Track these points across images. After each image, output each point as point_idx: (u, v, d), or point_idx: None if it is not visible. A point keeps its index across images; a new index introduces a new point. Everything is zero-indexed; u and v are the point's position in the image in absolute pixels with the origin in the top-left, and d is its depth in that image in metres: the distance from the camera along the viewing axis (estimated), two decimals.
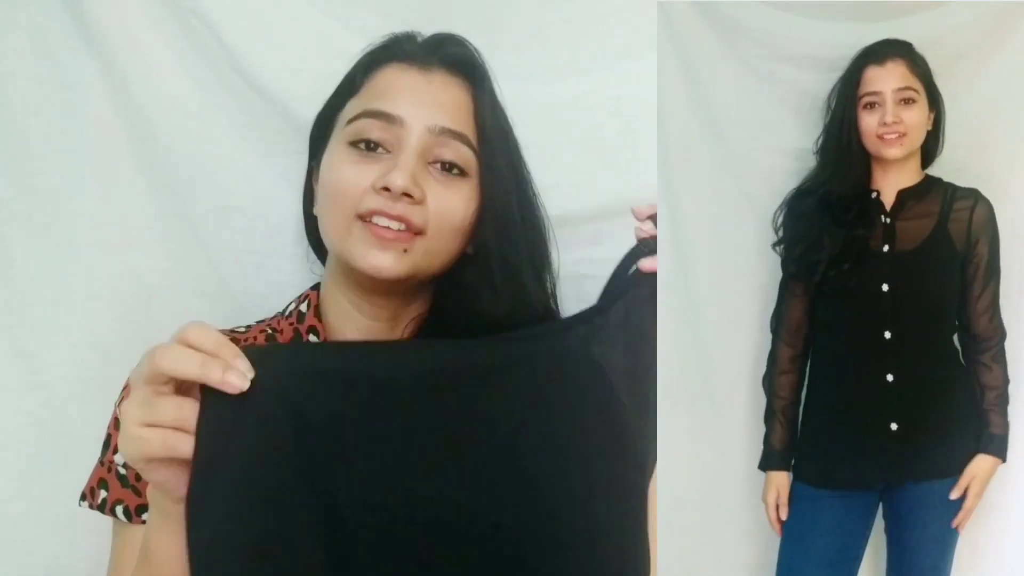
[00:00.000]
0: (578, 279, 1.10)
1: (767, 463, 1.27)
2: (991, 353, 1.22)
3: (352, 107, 0.80)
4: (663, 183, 1.19)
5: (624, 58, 1.10)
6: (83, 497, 0.81)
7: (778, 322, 1.27)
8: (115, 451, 0.79)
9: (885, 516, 1.24)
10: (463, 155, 0.78)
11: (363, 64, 0.83)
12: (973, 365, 1.23)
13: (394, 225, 0.74)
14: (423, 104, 0.77)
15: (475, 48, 0.84)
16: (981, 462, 1.20)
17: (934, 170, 1.24)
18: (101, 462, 0.81)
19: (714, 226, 1.27)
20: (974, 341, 1.23)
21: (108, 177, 1.03)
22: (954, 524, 1.20)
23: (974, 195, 1.21)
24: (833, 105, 1.24)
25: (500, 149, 0.80)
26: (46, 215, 1.02)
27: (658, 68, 1.11)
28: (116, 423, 0.80)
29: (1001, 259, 1.21)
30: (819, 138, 1.26)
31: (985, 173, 1.22)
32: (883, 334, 1.19)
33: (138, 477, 0.78)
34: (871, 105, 1.18)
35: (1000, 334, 1.22)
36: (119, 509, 0.78)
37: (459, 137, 0.78)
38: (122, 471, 0.79)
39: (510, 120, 0.85)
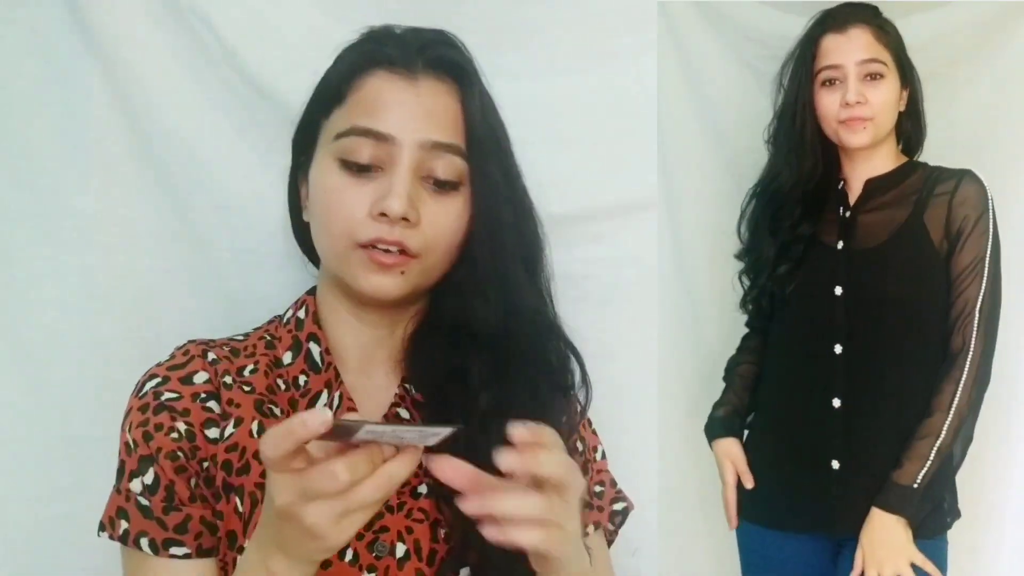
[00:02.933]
0: (578, 278, 1.11)
1: (712, 430, 1.10)
2: (945, 372, 0.96)
3: (339, 119, 0.78)
4: (663, 183, 1.18)
5: (624, 58, 1.11)
6: (102, 527, 0.76)
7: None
8: (130, 478, 0.75)
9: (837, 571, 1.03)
10: (455, 168, 0.77)
11: (345, 71, 0.80)
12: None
13: (392, 249, 0.74)
14: (413, 118, 0.76)
15: (462, 44, 0.82)
16: (874, 520, 0.92)
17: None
18: (118, 490, 0.76)
19: (714, 226, 1.28)
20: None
21: (108, 177, 1.03)
22: None
23: (958, 176, 1.01)
24: (785, 84, 1.07)
25: (492, 154, 0.79)
26: (46, 215, 1.01)
27: (658, 68, 1.11)
28: (127, 448, 0.75)
29: (1001, 263, 1.01)
30: (770, 124, 1.10)
31: (986, 173, 1.21)
32: (833, 348, 1.00)
33: (166, 510, 0.73)
34: (830, 82, 1.02)
35: (965, 349, 0.96)
36: (144, 541, 0.73)
37: (451, 149, 0.77)
38: (143, 501, 0.74)
39: (501, 118, 0.82)
